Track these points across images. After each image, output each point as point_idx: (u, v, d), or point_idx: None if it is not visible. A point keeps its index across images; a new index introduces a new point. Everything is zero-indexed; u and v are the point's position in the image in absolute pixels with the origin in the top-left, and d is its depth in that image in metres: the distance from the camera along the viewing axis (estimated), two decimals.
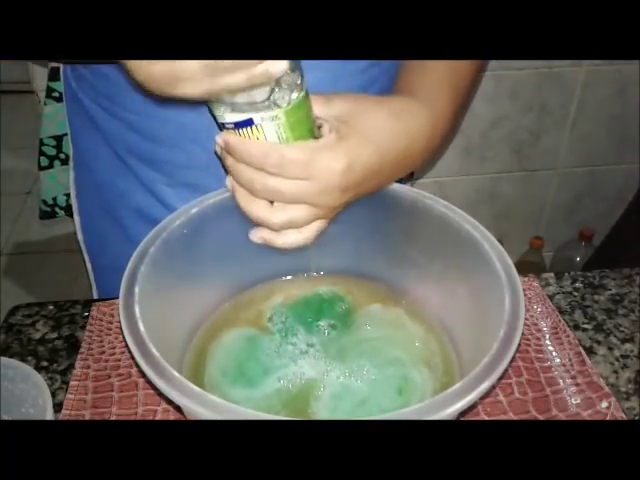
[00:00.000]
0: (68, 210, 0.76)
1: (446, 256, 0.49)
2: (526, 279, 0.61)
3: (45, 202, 0.76)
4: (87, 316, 0.57)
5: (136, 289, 0.41)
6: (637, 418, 0.48)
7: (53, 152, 0.73)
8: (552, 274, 0.63)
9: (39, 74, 1.10)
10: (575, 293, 0.61)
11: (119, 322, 0.39)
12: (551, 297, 0.60)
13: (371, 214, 0.52)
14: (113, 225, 0.66)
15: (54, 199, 0.76)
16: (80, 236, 0.71)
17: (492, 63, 1.25)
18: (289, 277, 0.55)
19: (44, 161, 0.74)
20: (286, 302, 0.53)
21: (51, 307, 0.59)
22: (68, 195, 0.73)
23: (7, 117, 2.29)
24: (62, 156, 0.73)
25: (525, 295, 0.58)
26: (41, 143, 0.73)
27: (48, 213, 0.77)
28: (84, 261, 0.72)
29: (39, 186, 0.76)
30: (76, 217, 0.71)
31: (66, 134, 0.70)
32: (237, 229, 0.51)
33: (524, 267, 1.39)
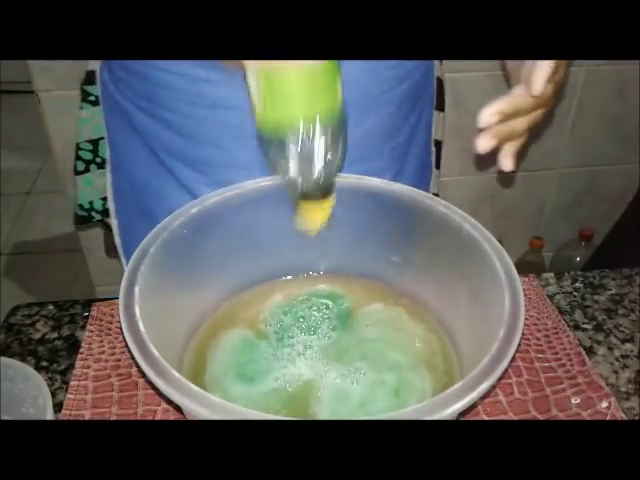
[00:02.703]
0: (104, 214, 0.76)
1: (446, 256, 0.49)
2: (526, 279, 0.61)
3: (81, 207, 0.76)
4: (87, 316, 0.57)
5: (136, 289, 0.41)
6: (637, 418, 0.48)
7: (89, 156, 0.74)
8: (552, 274, 0.63)
9: (39, 74, 1.10)
10: (575, 293, 0.61)
11: (119, 322, 0.39)
12: (551, 297, 0.60)
13: (371, 214, 0.52)
14: (151, 227, 0.67)
15: (90, 203, 0.76)
16: (118, 239, 0.71)
17: (492, 63, 1.25)
18: (289, 277, 0.55)
19: (80, 165, 0.74)
20: (286, 302, 0.53)
21: (51, 307, 0.59)
22: (104, 199, 0.73)
23: (7, 117, 2.29)
24: (98, 160, 0.74)
25: (525, 295, 0.57)
26: (77, 147, 0.73)
27: (84, 218, 0.77)
28: (121, 264, 0.73)
29: (74, 191, 0.76)
30: (113, 220, 0.71)
31: (102, 138, 0.70)
32: (237, 229, 0.51)
33: (524, 267, 1.39)
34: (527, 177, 1.42)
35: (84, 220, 0.77)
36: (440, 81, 0.73)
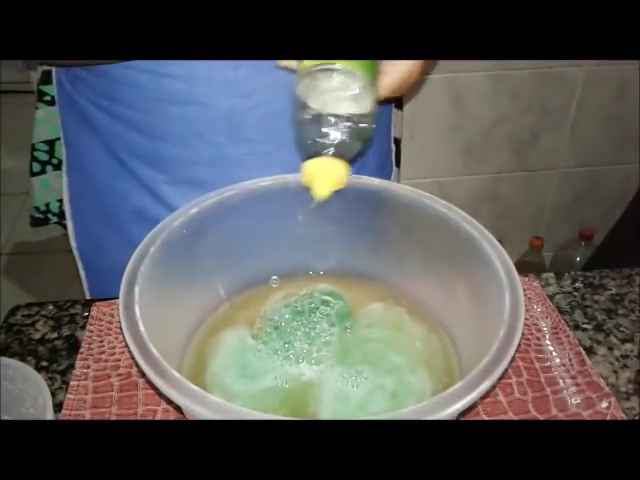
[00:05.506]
0: (61, 216, 0.74)
1: (446, 256, 0.49)
2: (526, 279, 0.61)
3: (37, 209, 0.75)
4: (87, 316, 0.57)
5: (136, 289, 0.41)
6: (637, 418, 0.48)
7: (45, 157, 0.72)
8: (552, 274, 0.63)
9: (39, 74, 1.10)
10: (575, 293, 0.61)
11: (119, 322, 0.39)
12: (551, 297, 0.60)
13: (370, 214, 0.52)
14: (111, 228, 0.65)
15: (47, 205, 0.75)
16: (73, 243, 0.70)
17: (492, 63, 1.25)
18: (289, 277, 0.55)
19: (36, 167, 0.73)
20: (285, 302, 0.53)
21: (51, 307, 0.59)
22: (61, 201, 0.72)
23: (7, 117, 2.29)
24: (55, 161, 0.72)
25: (525, 295, 0.57)
26: (33, 148, 0.72)
27: (41, 220, 0.76)
28: (77, 267, 0.71)
29: (31, 193, 0.75)
30: (69, 223, 0.69)
31: (59, 138, 0.68)
32: (237, 229, 0.51)
33: (524, 267, 1.39)
34: (527, 177, 1.42)
35: (40, 222, 0.76)
36: None
